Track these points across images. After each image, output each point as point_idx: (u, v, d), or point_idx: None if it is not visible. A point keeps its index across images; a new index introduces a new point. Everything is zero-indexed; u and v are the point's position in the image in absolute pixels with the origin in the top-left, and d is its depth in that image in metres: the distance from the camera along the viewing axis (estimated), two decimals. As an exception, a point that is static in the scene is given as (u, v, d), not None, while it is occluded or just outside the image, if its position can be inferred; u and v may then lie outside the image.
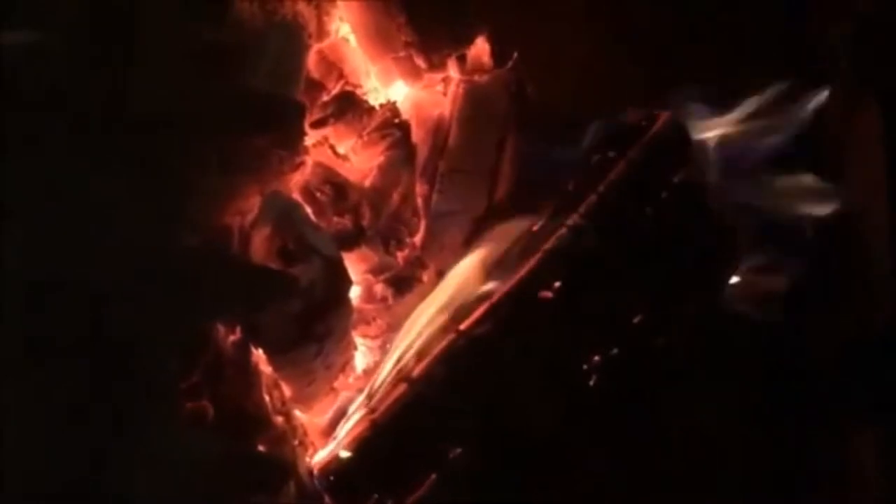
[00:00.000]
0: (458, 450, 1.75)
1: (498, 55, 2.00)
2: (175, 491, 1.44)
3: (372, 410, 1.77)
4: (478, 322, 1.80)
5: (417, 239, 1.98)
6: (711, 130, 1.91)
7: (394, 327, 1.92)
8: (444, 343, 1.80)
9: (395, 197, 1.89)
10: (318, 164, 1.80)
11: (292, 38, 1.73)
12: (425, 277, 1.98)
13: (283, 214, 1.65)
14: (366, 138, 1.88)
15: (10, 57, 1.40)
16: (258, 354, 1.67)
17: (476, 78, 1.99)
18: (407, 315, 1.90)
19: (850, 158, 1.88)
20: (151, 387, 1.45)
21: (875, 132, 1.76)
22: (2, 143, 1.37)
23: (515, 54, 2.00)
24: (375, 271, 1.92)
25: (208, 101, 1.53)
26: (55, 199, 1.40)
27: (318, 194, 1.78)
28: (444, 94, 2.00)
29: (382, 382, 1.81)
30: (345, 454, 1.74)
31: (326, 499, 1.75)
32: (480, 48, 2.00)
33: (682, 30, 2.04)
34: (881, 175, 1.75)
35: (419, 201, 1.97)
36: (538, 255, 1.84)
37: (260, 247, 1.63)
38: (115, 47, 1.50)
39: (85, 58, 1.47)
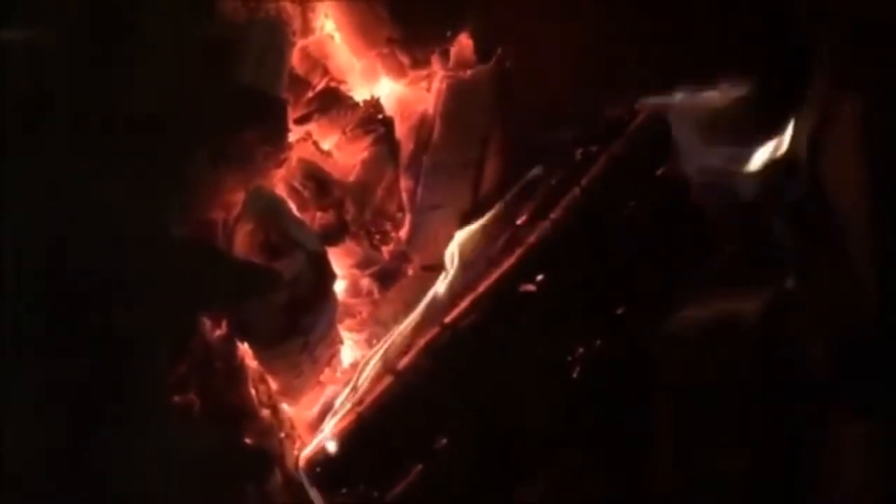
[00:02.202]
0: (444, 441, 1.77)
1: (481, 51, 2.01)
2: (162, 482, 1.46)
3: (358, 403, 1.79)
4: (462, 314, 1.82)
5: (403, 233, 1.99)
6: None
7: (380, 321, 1.94)
8: (428, 335, 1.82)
9: (380, 192, 1.91)
10: (301, 160, 1.82)
11: (276, 35, 1.74)
12: (411, 271, 1.99)
13: (266, 209, 1.67)
14: (349, 134, 1.89)
15: (9, 57, 1.42)
16: (244, 349, 1.69)
17: (460, 74, 2.00)
18: (393, 309, 1.92)
19: (828, 154, 1.90)
20: (140, 380, 1.47)
21: (854, 128, 1.77)
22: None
23: (499, 50, 2.01)
24: (361, 265, 1.94)
25: (196, 99, 1.55)
26: (51, 196, 1.42)
27: (302, 189, 1.80)
28: (429, 89, 2.01)
29: (368, 375, 1.83)
30: (331, 446, 1.76)
31: (313, 490, 1.78)
32: (464, 44, 2.01)
33: (665, 25, 2.05)
34: (861, 170, 1.76)
35: (404, 196, 1.99)
36: (521, 249, 1.86)
37: (244, 241, 1.65)
38: (109, 48, 1.51)
39: (79, 58, 1.49)
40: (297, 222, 1.73)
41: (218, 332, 1.63)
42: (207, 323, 1.61)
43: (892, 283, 1.74)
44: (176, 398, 1.51)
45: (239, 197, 1.64)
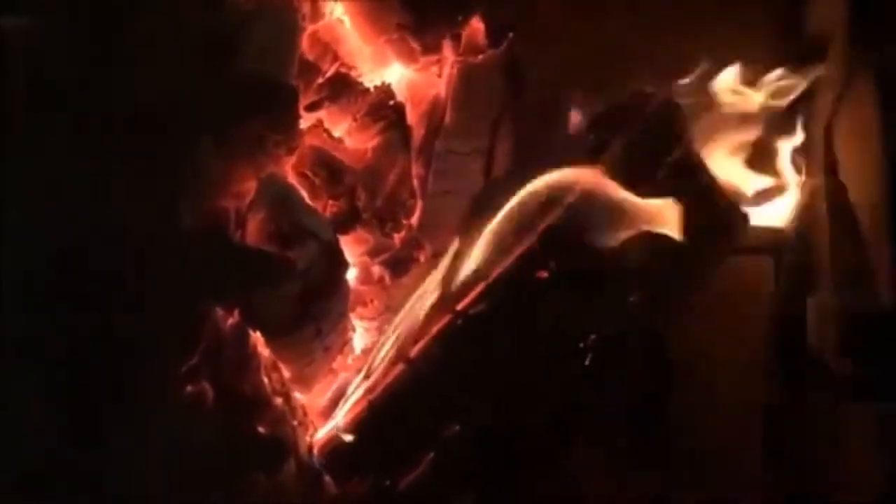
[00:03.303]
0: (456, 429, 1.77)
1: (493, 36, 1.99)
2: (175, 472, 1.46)
3: (370, 391, 1.79)
4: (474, 302, 1.81)
5: (414, 220, 1.98)
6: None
7: (392, 308, 1.94)
8: (440, 323, 1.81)
9: (391, 178, 1.90)
10: (312, 147, 1.81)
11: (285, 21, 1.73)
12: (422, 258, 1.99)
13: (278, 198, 1.66)
14: (360, 121, 1.88)
15: (8, 49, 1.41)
16: (256, 337, 1.69)
17: (471, 59, 1.98)
18: (405, 296, 1.92)
19: (845, 139, 1.89)
20: (152, 373, 1.48)
21: (870, 113, 1.76)
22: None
23: (510, 35, 1.99)
24: (373, 252, 1.93)
25: (204, 88, 1.54)
26: (57, 187, 1.41)
27: (313, 177, 1.79)
28: (439, 75, 1.99)
29: (381, 363, 1.83)
30: (343, 434, 1.77)
31: (326, 477, 1.78)
32: (475, 29, 1.99)
33: (678, 7, 2.03)
34: (878, 155, 1.74)
35: (415, 182, 1.98)
36: (535, 235, 1.85)
37: (256, 230, 1.64)
38: (112, 38, 1.50)
39: (80, 49, 1.47)
40: (310, 210, 1.72)
41: (230, 321, 1.63)
42: (219, 311, 1.60)
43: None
44: (188, 388, 1.51)
45: (251, 185, 1.63)
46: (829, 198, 1.90)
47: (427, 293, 1.87)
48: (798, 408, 1.90)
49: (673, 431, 1.89)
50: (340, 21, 1.95)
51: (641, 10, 2.03)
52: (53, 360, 1.40)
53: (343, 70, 1.91)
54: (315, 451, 1.78)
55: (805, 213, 1.98)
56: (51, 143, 1.45)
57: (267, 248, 1.63)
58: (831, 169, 1.91)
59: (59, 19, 1.48)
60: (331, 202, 1.81)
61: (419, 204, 1.98)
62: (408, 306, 1.88)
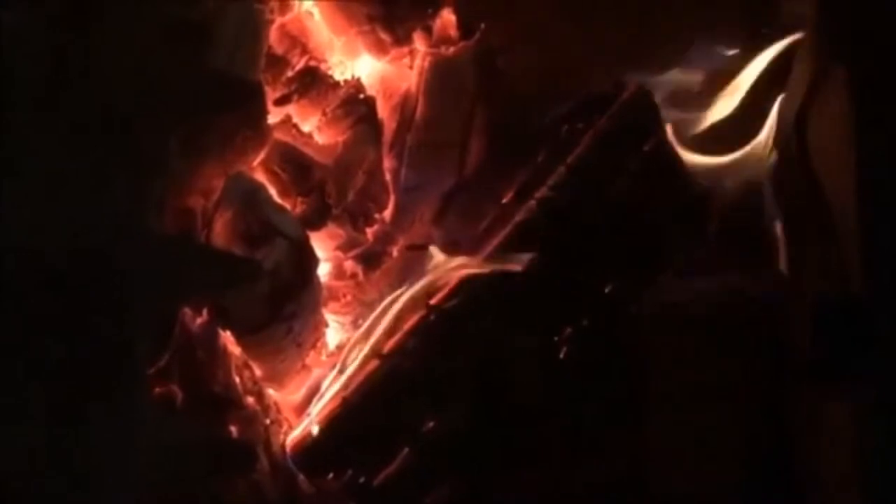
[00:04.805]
0: (431, 423, 1.77)
1: (464, 26, 1.97)
2: (144, 475, 1.45)
3: (344, 387, 1.78)
4: (448, 296, 1.81)
5: (387, 214, 1.96)
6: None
7: (365, 303, 1.93)
8: (415, 318, 1.80)
9: (362, 173, 1.88)
10: (280, 143, 1.78)
11: (252, 14, 1.69)
12: (395, 252, 1.97)
13: (246, 197, 1.64)
14: (330, 115, 1.86)
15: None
16: (226, 335, 1.67)
17: (443, 50, 1.96)
18: (378, 290, 1.91)
19: (815, 128, 1.88)
20: (120, 371, 1.45)
21: (842, 102, 1.75)
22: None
23: (482, 25, 1.97)
24: (345, 248, 1.92)
25: (169, 85, 1.51)
26: (22, 187, 1.39)
27: (282, 174, 1.77)
28: (411, 67, 1.97)
29: (355, 358, 1.82)
30: (317, 431, 1.76)
31: (301, 476, 1.77)
32: (446, 20, 1.97)
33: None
34: (848, 144, 1.74)
35: (388, 176, 1.96)
36: (508, 229, 1.85)
37: (223, 230, 1.62)
38: (75, 34, 1.47)
39: (43, 45, 1.44)
40: (278, 208, 1.70)
41: (199, 320, 1.62)
42: (188, 312, 1.59)
43: (878, 259, 1.73)
44: (158, 390, 1.50)
45: (218, 184, 1.61)
46: (800, 188, 1.90)
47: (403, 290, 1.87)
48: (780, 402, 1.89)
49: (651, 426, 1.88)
50: (309, 13, 1.92)
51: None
52: (15, 364, 1.38)
53: (312, 63, 1.88)
54: (289, 449, 1.77)
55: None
56: (10, 142, 1.41)
57: (235, 248, 1.61)
58: (803, 160, 1.90)
59: (18, 14, 1.45)
60: (300, 199, 1.79)
61: (391, 198, 1.96)
62: (383, 302, 1.87)
